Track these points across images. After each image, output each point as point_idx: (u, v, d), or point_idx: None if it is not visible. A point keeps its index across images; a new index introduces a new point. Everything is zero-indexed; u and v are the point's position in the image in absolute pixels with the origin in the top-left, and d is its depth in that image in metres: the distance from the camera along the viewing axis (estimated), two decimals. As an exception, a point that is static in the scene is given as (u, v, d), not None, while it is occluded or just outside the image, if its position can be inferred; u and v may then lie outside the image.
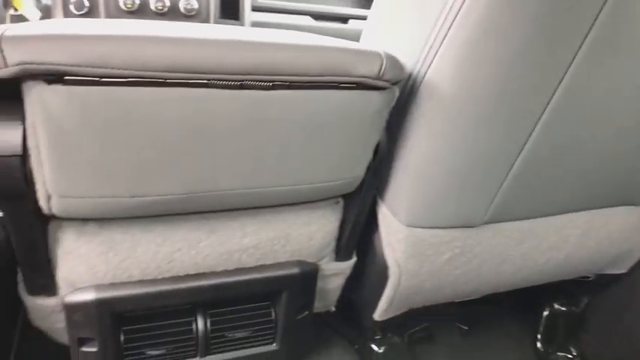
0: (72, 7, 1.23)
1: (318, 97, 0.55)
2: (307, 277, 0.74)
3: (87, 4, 1.24)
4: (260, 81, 0.52)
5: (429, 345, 1.09)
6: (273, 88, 0.53)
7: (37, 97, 0.45)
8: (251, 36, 0.52)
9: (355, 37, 1.66)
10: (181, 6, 1.29)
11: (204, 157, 0.54)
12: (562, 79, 0.57)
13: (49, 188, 0.51)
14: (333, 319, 1.00)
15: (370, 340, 0.95)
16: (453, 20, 0.55)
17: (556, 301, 1.16)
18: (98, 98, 0.46)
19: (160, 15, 1.28)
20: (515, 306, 1.24)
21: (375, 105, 0.59)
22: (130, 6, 1.24)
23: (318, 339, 0.97)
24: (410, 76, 0.63)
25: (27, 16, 1.19)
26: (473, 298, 1.16)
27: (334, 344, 0.99)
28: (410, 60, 0.63)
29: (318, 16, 1.58)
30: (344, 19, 1.63)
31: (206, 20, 1.33)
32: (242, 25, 1.40)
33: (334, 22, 1.61)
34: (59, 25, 0.49)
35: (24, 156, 0.49)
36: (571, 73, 0.57)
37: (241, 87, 0.51)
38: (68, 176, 0.50)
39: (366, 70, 0.55)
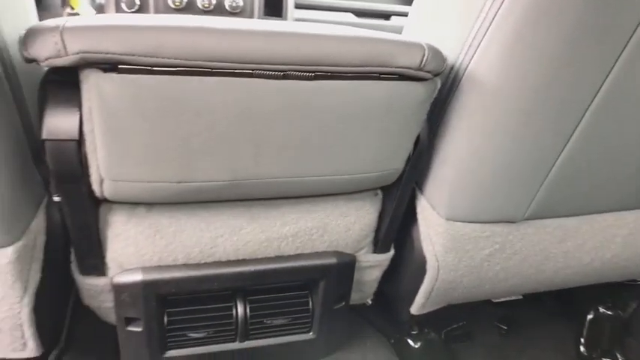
0: (123, 5, 1.29)
1: (359, 88, 0.56)
2: (344, 267, 0.75)
3: (137, 2, 1.29)
4: (303, 71, 0.53)
5: (467, 343, 1.07)
6: (316, 78, 0.54)
7: (93, 84, 0.48)
8: (294, 28, 0.54)
9: (398, 33, 1.65)
10: (227, 3, 1.32)
11: (248, 145, 0.56)
12: (611, 68, 0.56)
13: (102, 172, 0.54)
14: (369, 312, 1.01)
15: (406, 334, 0.95)
16: (499, 8, 0.55)
17: (601, 305, 1.12)
18: (149, 86, 0.49)
19: (207, 12, 1.32)
20: (557, 307, 1.21)
21: (416, 96, 0.59)
22: (178, 4, 1.29)
23: (354, 331, 0.98)
24: (452, 68, 0.63)
25: (82, 14, 1.26)
26: (513, 297, 1.14)
27: (370, 337, 0.99)
28: (452, 52, 0.63)
29: (360, 13, 1.58)
30: (386, 15, 1.62)
31: (250, 17, 1.36)
32: (285, 21, 1.43)
33: (376, 18, 1.61)
34: (114, 18, 0.52)
35: (80, 141, 0.52)
36: (621, 62, 0.55)
37: (284, 77, 0.53)
38: (120, 161, 0.53)
39: (408, 60, 0.56)
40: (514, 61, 0.56)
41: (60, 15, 1.26)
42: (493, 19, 0.56)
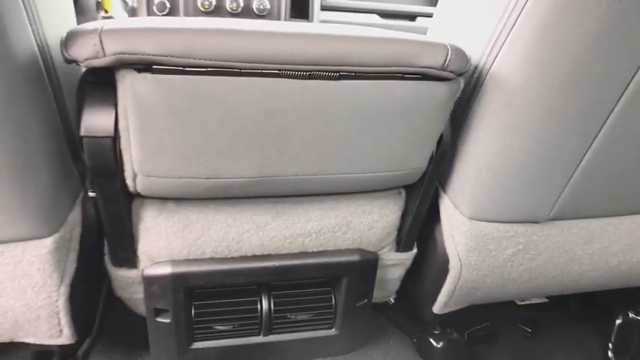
0: (155, 9, 1.33)
1: (383, 87, 0.57)
2: (367, 265, 0.76)
3: (168, 5, 1.33)
4: (327, 71, 0.54)
5: (490, 345, 1.07)
6: (340, 78, 0.55)
7: (128, 83, 0.50)
8: (320, 29, 0.55)
9: (423, 34, 1.65)
10: (254, 6, 1.35)
11: (274, 143, 0.58)
12: (638, 67, 0.56)
13: (136, 168, 0.56)
14: (391, 311, 1.01)
15: (429, 334, 0.95)
16: (523, 7, 0.55)
17: (631, 309, 1.10)
18: (181, 86, 0.51)
19: (235, 15, 1.35)
20: (583, 311, 1.19)
21: (439, 96, 0.60)
22: (207, 7, 1.32)
23: (376, 329, 0.99)
24: (475, 67, 0.64)
25: (116, 17, 1.31)
26: (538, 299, 1.13)
27: (392, 336, 0.99)
28: (476, 52, 0.63)
29: (385, 14, 1.59)
30: (411, 16, 1.63)
31: (277, 19, 1.39)
32: (311, 23, 1.45)
33: (402, 19, 1.62)
34: (148, 20, 0.54)
35: (115, 137, 0.54)
36: (646, 61, 0.55)
37: (310, 77, 0.54)
38: (152, 157, 0.56)
39: (432, 60, 0.57)
40: (538, 60, 0.56)
41: (95, 18, 1.31)
42: (517, 18, 0.56)
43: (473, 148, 0.66)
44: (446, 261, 0.76)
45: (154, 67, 0.50)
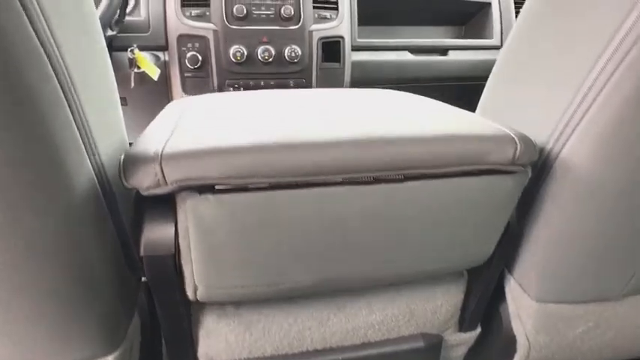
0: (187, 62, 1.33)
1: (449, 186, 0.54)
2: (431, 349, 0.73)
3: (200, 58, 1.33)
4: (393, 175, 0.52)
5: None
6: (406, 179, 0.53)
7: (190, 206, 0.48)
8: (383, 130, 0.53)
9: (456, 68, 1.62)
10: (286, 54, 1.34)
11: (338, 248, 0.55)
12: None
13: (196, 280, 0.55)
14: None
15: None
16: (599, 93, 0.52)
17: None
18: (244, 204, 0.49)
19: (266, 64, 1.34)
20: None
21: (507, 188, 0.57)
22: (239, 58, 1.31)
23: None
24: (542, 151, 0.60)
25: (148, 72, 1.30)
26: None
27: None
28: (542, 134, 0.60)
29: (416, 50, 1.57)
30: (442, 50, 1.60)
31: (309, 66, 1.37)
32: (342, 67, 1.43)
33: (433, 54, 1.59)
34: (207, 132, 0.52)
35: (175, 254, 0.52)
36: None
37: (375, 181, 0.52)
38: (213, 271, 0.54)
39: (500, 156, 0.54)
40: (614, 148, 0.53)
41: (128, 74, 1.31)
42: (592, 103, 0.52)
43: (540, 232, 0.63)
44: (512, 340, 0.72)
45: (217, 187, 0.48)
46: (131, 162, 0.47)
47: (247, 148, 0.48)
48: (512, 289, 0.70)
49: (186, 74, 1.34)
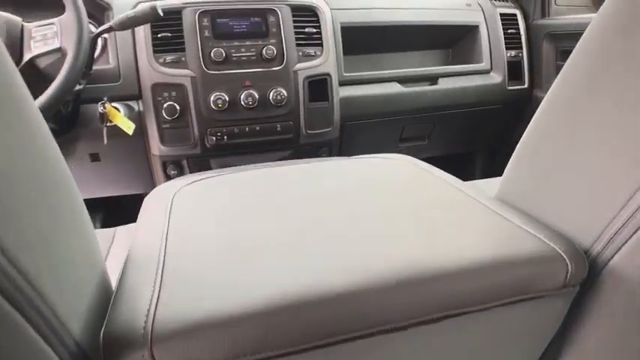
0: (164, 113, 1.22)
1: (491, 318, 0.47)
2: None
3: (178, 108, 1.22)
4: (428, 319, 0.44)
5: None
6: (443, 318, 0.45)
7: None
8: (402, 239, 0.45)
9: (447, 97, 1.55)
10: (271, 97, 1.25)
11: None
12: None
13: None
14: None
15: None
16: None
17: None
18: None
19: (250, 109, 1.24)
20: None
21: (554, 309, 0.50)
22: (220, 105, 1.22)
23: None
24: (586, 253, 0.53)
25: (122, 127, 1.19)
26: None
27: None
28: (584, 233, 0.52)
29: (405, 80, 1.49)
30: (432, 78, 1.52)
31: (296, 107, 1.28)
32: (331, 105, 1.34)
33: (422, 83, 1.52)
34: (198, 267, 0.43)
35: None
36: None
37: (408, 326, 0.44)
38: None
39: (551, 282, 0.46)
40: None
41: (100, 129, 1.20)
42: None
43: (587, 345, 0.56)
44: None
45: None
46: (113, 343, 0.38)
47: (255, 314, 0.39)
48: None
49: (163, 125, 1.23)
